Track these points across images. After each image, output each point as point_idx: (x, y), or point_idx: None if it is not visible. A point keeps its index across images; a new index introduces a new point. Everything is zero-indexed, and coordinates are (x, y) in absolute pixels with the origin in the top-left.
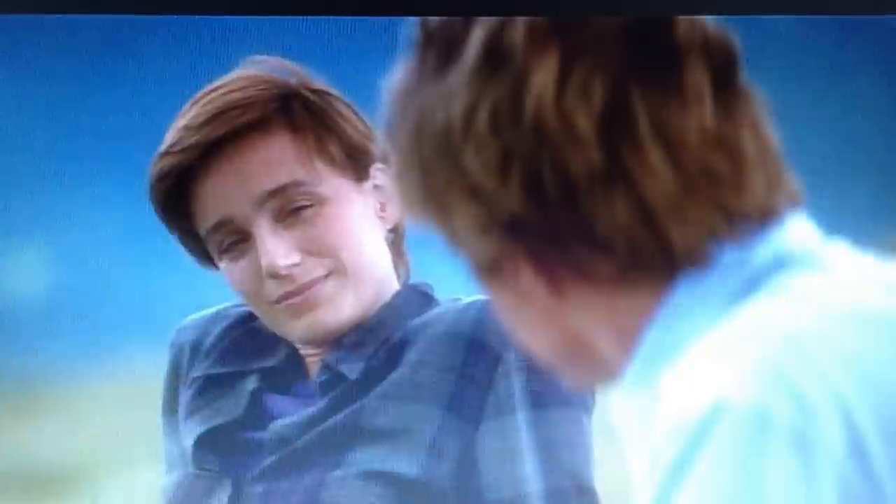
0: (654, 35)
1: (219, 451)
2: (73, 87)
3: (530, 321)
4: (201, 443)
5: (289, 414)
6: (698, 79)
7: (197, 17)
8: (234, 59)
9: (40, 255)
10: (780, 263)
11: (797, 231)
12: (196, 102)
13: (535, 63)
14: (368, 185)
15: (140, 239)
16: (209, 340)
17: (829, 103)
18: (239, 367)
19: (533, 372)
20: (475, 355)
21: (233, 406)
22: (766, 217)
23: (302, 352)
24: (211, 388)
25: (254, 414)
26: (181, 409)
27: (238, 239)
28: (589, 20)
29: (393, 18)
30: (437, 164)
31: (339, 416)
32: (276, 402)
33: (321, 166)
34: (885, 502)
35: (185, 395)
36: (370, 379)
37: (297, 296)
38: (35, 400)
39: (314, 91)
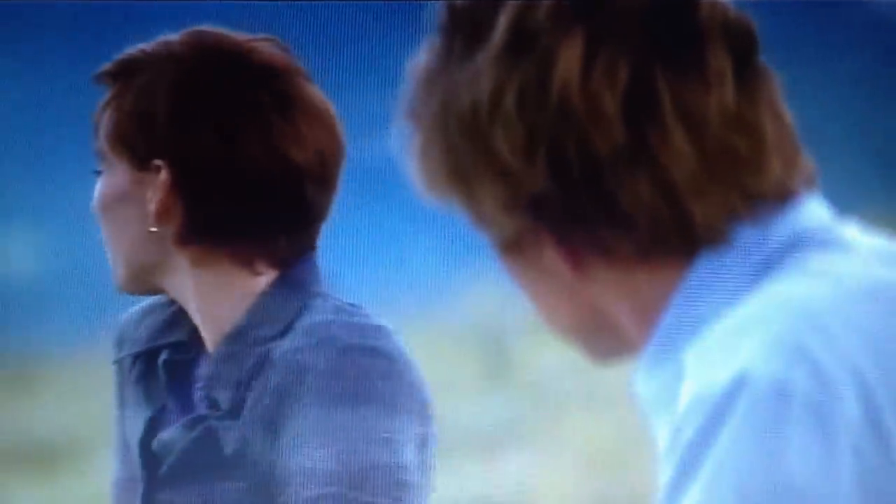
0: (676, 17)
1: (139, 450)
2: (59, 71)
3: (552, 298)
4: (131, 438)
5: (188, 402)
6: (720, 60)
7: (195, 2)
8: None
9: (33, 236)
10: (798, 243)
11: (813, 211)
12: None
13: (561, 45)
14: (148, 175)
15: None
16: (138, 327)
17: (819, 86)
18: (151, 344)
19: (330, 375)
20: (291, 374)
21: (155, 395)
22: (783, 197)
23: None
24: (135, 371)
25: (167, 403)
26: (119, 400)
27: None
28: (613, 2)
29: (419, 1)
30: (463, 144)
31: (202, 436)
32: (182, 385)
33: (107, 140)
34: None
35: (119, 384)
36: (237, 407)
37: None
38: (29, 377)
39: (176, 68)
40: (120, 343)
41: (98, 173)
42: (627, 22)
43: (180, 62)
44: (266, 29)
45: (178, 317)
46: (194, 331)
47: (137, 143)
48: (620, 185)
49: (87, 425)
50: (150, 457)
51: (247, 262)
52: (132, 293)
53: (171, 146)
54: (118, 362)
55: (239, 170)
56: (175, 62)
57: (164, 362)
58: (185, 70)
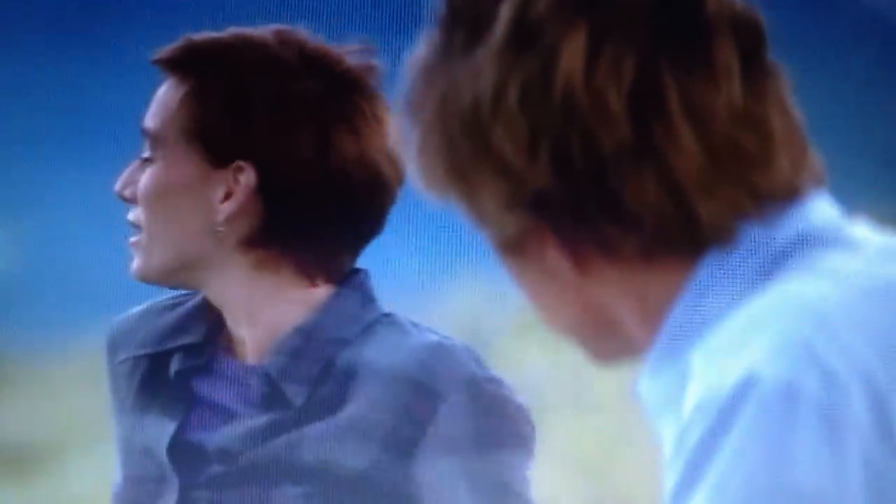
0: (683, 10)
1: (169, 453)
2: (41, 66)
3: (554, 298)
4: (145, 440)
5: (223, 404)
6: (727, 56)
7: None
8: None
9: (8, 234)
10: (806, 242)
11: (821, 210)
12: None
13: (565, 40)
14: (223, 173)
15: (108, 217)
16: (137, 329)
17: (817, 82)
18: (162, 347)
19: (478, 415)
20: (420, 396)
21: (166, 397)
22: (791, 196)
23: (229, 325)
24: (139, 374)
25: (191, 406)
26: (120, 402)
27: None
28: None
29: None
30: (463, 141)
31: (282, 440)
32: (206, 387)
33: (179, 131)
34: None
35: (120, 387)
36: (315, 408)
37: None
38: (2, 377)
39: (257, 65)
40: (114, 347)
41: (146, 160)
42: (632, 15)
43: (283, 65)
44: (261, 17)
45: (190, 319)
46: (208, 334)
47: (222, 140)
48: (625, 183)
49: (59, 427)
50: (185, 458)
51: (308, 273)
52: (156, 283)
53: (265, 149)
54: (121, 363)
55: (329, 180)
56: (276, 64)
57: (180, 364)
58: (290, 74)
